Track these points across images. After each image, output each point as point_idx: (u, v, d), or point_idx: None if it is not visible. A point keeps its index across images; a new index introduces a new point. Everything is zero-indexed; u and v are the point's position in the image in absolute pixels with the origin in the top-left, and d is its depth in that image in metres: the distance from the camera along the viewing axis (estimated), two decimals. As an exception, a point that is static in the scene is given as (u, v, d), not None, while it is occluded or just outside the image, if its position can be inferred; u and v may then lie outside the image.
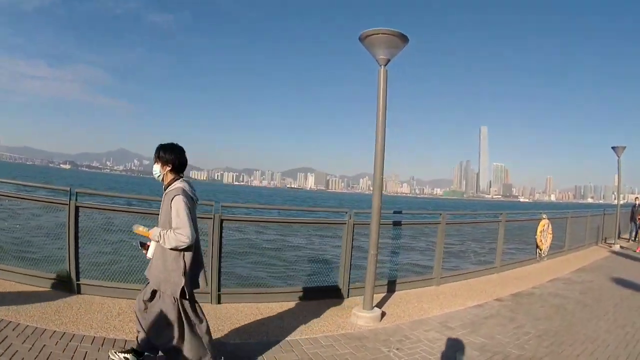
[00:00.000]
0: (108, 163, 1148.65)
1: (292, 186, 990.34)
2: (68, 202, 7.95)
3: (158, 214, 5.29)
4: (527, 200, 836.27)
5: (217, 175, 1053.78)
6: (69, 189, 8.03)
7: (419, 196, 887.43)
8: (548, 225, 15.83)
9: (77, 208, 7.99)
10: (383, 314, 8.42)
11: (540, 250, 15.60)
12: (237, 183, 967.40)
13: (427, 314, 8.82)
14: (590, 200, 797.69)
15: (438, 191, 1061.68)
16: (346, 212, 9.82)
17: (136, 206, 9.23)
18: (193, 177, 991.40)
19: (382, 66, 7.87)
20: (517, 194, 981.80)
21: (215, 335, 6.02)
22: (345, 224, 9.60)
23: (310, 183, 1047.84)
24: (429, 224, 12.08)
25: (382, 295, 9.93)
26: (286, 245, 10.07)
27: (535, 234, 15.40)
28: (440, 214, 11.73)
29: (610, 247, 21.61)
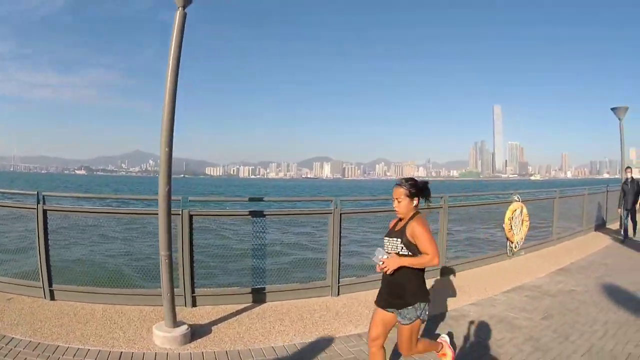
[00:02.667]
0: (123, 165, 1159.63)
1: (308, 176, 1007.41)
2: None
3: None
4: (538, 178, 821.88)
5: (233, 170, 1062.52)
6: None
7: (436, 178, 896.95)
8: (521, 210, 12.38)
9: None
10: (205, 333, 6.75)
11: (512, 242, 12.18)
12: (252, 176, 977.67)
13: (268, 341, 6.55)
14: (606, 176, 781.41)
15: (454, 173, 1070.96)
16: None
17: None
18: (208, 173, 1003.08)
19: (180, 8, 6.16)
20: (532, 172, 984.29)
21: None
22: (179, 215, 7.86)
23: (327, 172, 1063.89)
24: (317, 213, 9.40)
25: (247, 305, 8.10)
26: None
27: (503, 222, 11.97)
28: (332, 200, 9.04)
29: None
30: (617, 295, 9.01)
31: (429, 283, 8.63)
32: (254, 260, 8.78)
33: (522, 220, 12.32)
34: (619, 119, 18.10)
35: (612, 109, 18.19)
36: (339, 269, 8.76)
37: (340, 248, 8.81)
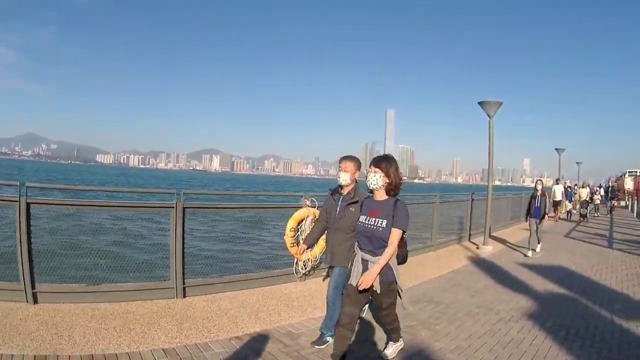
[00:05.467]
0: (17, 148, 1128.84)
1: (197, 168, 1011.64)
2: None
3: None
4: (422, 182, 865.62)
5: (123, 159, 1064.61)
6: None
7: (324, 177, 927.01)
8: (314, 219, 8.75)
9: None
10: None
11: (299, 260, 8.93)
12: (142, 166, 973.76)
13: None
14: (497, 183, 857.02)
15: None
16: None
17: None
18: (99, 160, 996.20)
19: None
20: (423, 176, 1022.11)
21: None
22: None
23: (216, 165, 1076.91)
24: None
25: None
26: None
27: (284, 234, 8.57)
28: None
29: (478, 247, 14.78)
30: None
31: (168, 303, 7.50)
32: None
33: (322, 231, 8.89)
34: (489, 115, 14.72)
35: (480, 104, 14.72)
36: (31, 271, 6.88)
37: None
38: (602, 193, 35.30)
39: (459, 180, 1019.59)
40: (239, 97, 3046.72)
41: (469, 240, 16.02)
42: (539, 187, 15.04)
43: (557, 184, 27.54)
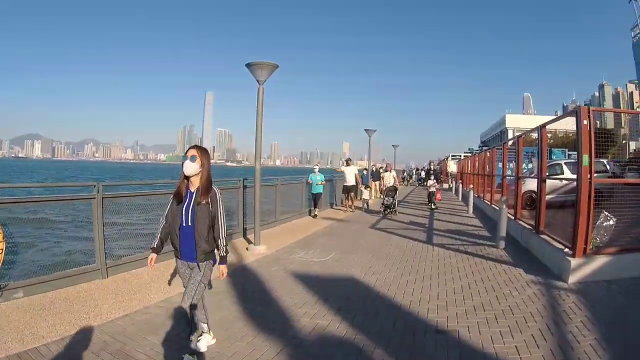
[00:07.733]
0: None
1: (19, 155, 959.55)
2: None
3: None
4: (234, 165, 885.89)
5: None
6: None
7: (144, 161, 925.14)
8: None
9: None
10: None
11: None
12: None
13: None
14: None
15: (162, 156, 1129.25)
16: None
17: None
18: None
19: None
20: (241, 159, 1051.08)
21: None
22: None
23: (37, 151, 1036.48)
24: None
25: None
26: None
27: None
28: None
29: (247, 248, 11.62)
30: None
31: None
32: None
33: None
34: (258, 81, 11.77)
35: (248, 66, 11.68)
36: None
37: None
38: (422, 176, 32.63)
39: (277, 163, 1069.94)
40: (58, 75, 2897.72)
41: (244, 236, 13.10)
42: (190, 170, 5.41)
43: (348, 165, 22.70)
